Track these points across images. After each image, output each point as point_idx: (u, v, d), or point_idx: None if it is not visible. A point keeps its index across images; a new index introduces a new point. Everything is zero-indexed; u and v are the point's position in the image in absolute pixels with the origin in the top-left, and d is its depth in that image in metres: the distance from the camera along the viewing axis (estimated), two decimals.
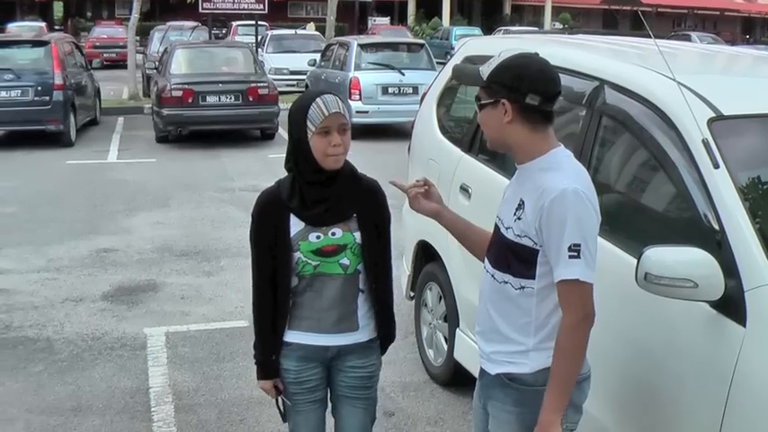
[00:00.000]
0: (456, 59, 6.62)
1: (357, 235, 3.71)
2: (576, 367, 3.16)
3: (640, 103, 4.18)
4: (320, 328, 3.76)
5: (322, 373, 3.86)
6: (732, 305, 3.33)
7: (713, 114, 3.80)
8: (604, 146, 4.51)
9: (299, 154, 3.61)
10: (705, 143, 3.66)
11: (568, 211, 3.05)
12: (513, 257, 3.24)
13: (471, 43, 6.88)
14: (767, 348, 3.21)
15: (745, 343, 3.26)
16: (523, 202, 3.19)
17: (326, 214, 3.66)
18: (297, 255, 3.65)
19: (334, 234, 3.67)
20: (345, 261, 3.69)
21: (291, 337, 3.79)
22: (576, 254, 3.04)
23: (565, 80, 4.76)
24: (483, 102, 3.25)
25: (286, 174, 3.74)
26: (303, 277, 3.70)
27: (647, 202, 4.28)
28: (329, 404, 3.98)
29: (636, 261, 3.40)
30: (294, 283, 3.72)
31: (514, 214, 3.23)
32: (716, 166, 3.60)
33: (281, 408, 3.93)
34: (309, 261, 3.65)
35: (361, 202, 3.74)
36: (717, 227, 3.51)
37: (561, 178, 3.11)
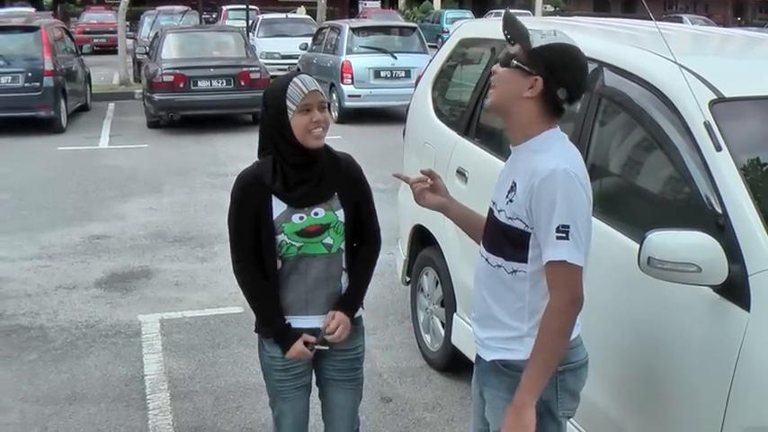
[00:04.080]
0: (450, 42, 6.57)
1: (339, 213, 3.70)
2: (558, 351, 3.11)
3: (640, 85, 4.14)
4: (308, 311, 3.75)
5: (308, 359, 3.84)
6: (736, 289, 3.30)
7: (715, 96, 3.75)
8: (604, 129, 4.47)
9: (278, 136, 3.59)
10: (707, 125, 3.61)
11: (557, 192, 3.01)
12: (505, 241, 3.20)
13: (466, 26, 6.83)
14: None
15: (749, 327, 3.22)
16: (515, 184, 3.15)
17: (309, 195, 3.65)
18: (280, 237, 3.64)
19: (316, 214, 3.66)
20: (329, 240, 3.69)
21: None
22: (564, 235, 3.00)
23: None
24: (516, 64, 3.12)
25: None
26: (287, 260, 3.68)
27: (649, 185, 4.24)
28: (312, 389, 3.97)
29: (638, 245, 3.36)
30: (279, 266, 3.69)
31: (506, 196, 3.19)
32: (718, 148, 3.55)
33: (323, 344, 3.78)
34: (293, 243, 3.64)
35: (341, 180, 3.73)
36: (719, 210, 3.47)
37: (552, 159, 3.07)
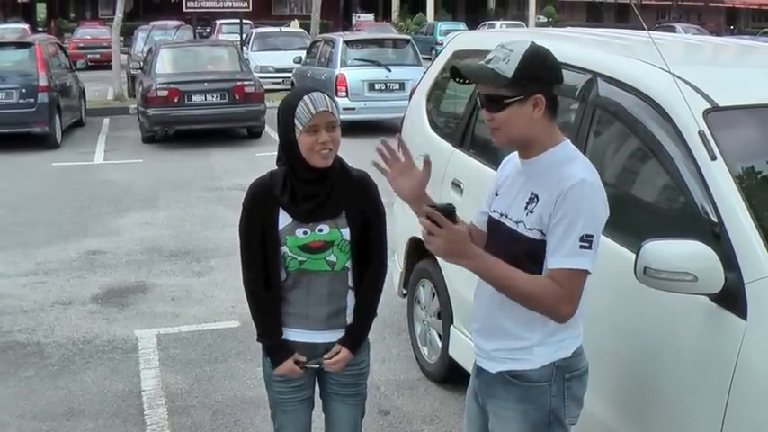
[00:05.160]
0: (445, 54, 6.58)
1: (345, 231, 3.67)
2: (509, 295, 3.07)
3: (634, 95, 4.15)
4: (309, 325, 3.74)
5: (311, 371, 3.85)
6: (732, 298, 3.30)
7: (709, 106, 3.77)
8: (599, 139, 4.49)
9: (288, 152, 3.60)
10: (701, 135, 3.63)
11: (586, 202, 3.03)
12: (520, 252, 3.15)
13: (460, 38, 6.85)
14: None
15: (747, 336, 3.23)
16: (536, 196, 3.12)
17: (315, 211, 3.64)
18: (283, 249, 3.64)
19: (321, 230, 3.64)
20: (332, 258, 3.67)
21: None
22: (588, 245, 3.01)
23: None
24: (509, 100, 3.08)
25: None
26: (290, 273, 3.68)
27: (644, 195, 4.25)
28: (315, 404, 3.97)
29: (634, 255, 3.37)
30: (282, 277, 3.70)
31: (526, 208, 3.15)
32: (713, 157, 3.57)
33: (311, 365, 3.81)
34: (295, 256, 3.63)
35: (351, 198, 3.71)
36: (715, 219, 3.48)
37: (581, 169, 3.09)
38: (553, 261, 3.05)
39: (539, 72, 3.08)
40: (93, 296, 8.32)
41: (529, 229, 3.13)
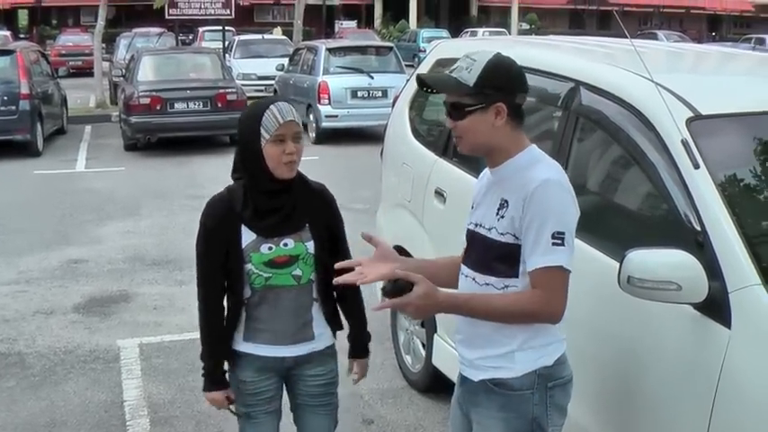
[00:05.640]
0: (428, 62, 6.56)
1: (309, 245, 3.66)
2: (497, 320, 3.16)
3: (617, 103, 4.15)
4: (276, 340, 3.71)
5: (278, 383, 3.84)
6: (716, 307, 3.30)
7: (691, 114, 3.77)
8: (582, 147, 4.48)
9: (251, 163, 3.55)
10: (684, 143, 3.63)
11: (552, 200, 3.06)
12: (495, 258, 3.20)
13: (443, 45, 6.84)
14: (753, 350, 3.18)
15: (731, 345, 3.22)
16: (506, 201, 3.17)
17: (280, 225, 3.61)
18: (248, 266, 3.60)
19: (286, 245, 3.62)
20: (298, 272, 3.65)
21: (248, 348, 3.73)
22: (560, 241, 3.04)
23: (540, 81, 4.78)
24: (471, 108, 3.14)
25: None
26: (255, 290, 3.65)
27: (627, 203, 4.25)
28: (282, 415, 3.94)
29: (617, 264, 3.36)
30: (247, 294, 3.66)
31: (497, 214, 3.19)
32: (696, 166, 3.56)
33: (238, 412, 3.86)
34: (261, 273, 3.60)
35: (313, 210, 3.70)
36: (698, 228, 3.47)
37: (545, 170, 3.13)
38: (530, 263, 3.09)
39: (500, 81, 3.12)
40: (75, 305, 8.28)
41: (501, 233, 3.17)
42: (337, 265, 3.35)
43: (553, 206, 3.06)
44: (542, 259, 3.05)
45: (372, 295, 4.05)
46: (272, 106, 3.51)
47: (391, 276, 3.15)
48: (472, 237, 3.34)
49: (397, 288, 3.07)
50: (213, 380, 3.79)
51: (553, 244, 3.03)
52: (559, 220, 3.05)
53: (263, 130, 3.48)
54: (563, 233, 3.04)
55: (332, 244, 3.74)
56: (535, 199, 3.06)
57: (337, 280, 3.30)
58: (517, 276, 3.16)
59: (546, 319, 3.15)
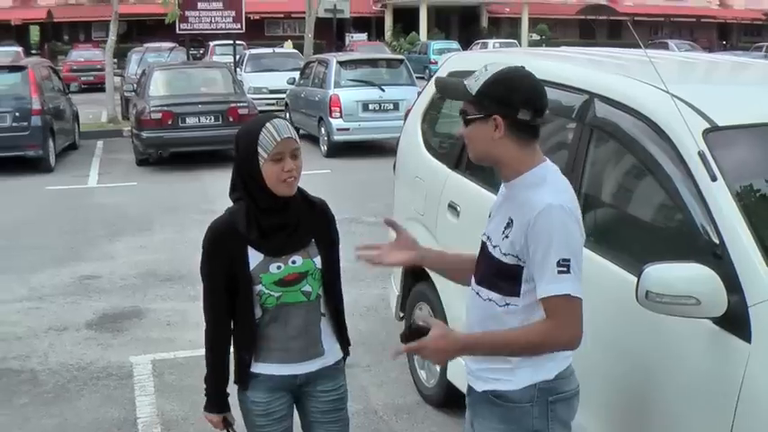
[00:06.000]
0: (440, 74, 6.54)
1: (317, 260, 3.63)
2: (514, 354, 3.16)
3: (632, 115, 4.11)
4: (288, 359, 3.67)
5: (290, 402, 3.79)
6: (735, 321, 3.25)
7: (708, 125, 3.73)
8: (597, 160, 4.44)
9: (250, 183, 3.51)
10: (701, 155, 3.58)
11: (555, 226, 3.02)
12: (497, 275, 3.21)
13: (455, 58, 6.81)
14: None
15: (751, 360, 3.18)
16: (512, 221, 3.15)
17: (287, 243, 3.58)
18: (258, 288, 3.56)
19: (294, 262, 3.58)
20: (308, 288, 3.61)
21: (260, 368, 3.69)
22: (565, 269, 3.00)
23: (553, 94, 4.72)
24: (471, 116, 3.18)
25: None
26: (267, 310, 3.61)
27: (644, 216, 4.21)
28: None
29: (634, 278, 3.32)
30: (258, 314, 3.63)
31: (503, 233, 3.19)
32: (713, 178, 3.52)
33: None
34: (272, 293, 3.56)
35: (317, 226, 3.68)
36: (717, 241, 3.43)
37: (546, 193, 3.08)
38: (539, 292, 3.07)
39: (500, 94, 3.11)
40: (88, 322, 8.25)
41: (504, 254, 3.17)
42: (358, 247, 3.60)
43: (556, 233, 3.02)
44: (548, 288, 3.03)
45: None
46: (267, 124, 3.46)
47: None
48: (482, 248, 3.35)
49: (414, 332, 3.14)
50: (214, 402, 3.79)
51: (559, 272, 3.01)
52: (564, 247, 3.02)
53: (260, 149, 3.44)
54: (568, 260, 3.01)
55: (333, 259, 3.74)
56: (538, 226, 3.04)
57: (358, 254, 3.58)
58: (518, 296, 3.16)
59: (563, 347, 3.14)
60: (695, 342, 3.43)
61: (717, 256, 3.39)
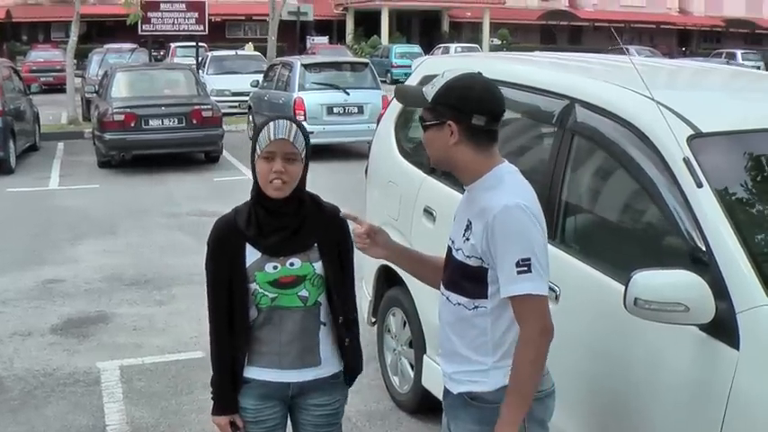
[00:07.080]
0: (414, 79, 6.49)
1: (317, 265, 3.55)
2: (533, 381, 3.14)
3: (614, 121, 4.08)
4: (281, 364, 3.59)
5: (282, 411, 3.70)
6: (724, 328, 3.24)
7: (692, 132, 3.72)
8: (578, 167, 4.40)
9: (254, 178, 3.50)
10: (686, 162, 3.57)
11: (512, 227, 3.05)
12: (464, 278, 3.23)
13: (429, 62, 6.76)
14: (763, 372, 3.12)
15: (740, 367, 3.17)
16: (471, 223, 3.19)
17: (285, 244, 3.51)
18: (253, 286, 3.50)
19: (292, 264, 3.51)
20: (304, 293, 3.54)
21: (251, 373, 3.61)
22: (525, 268, 3.03)
23: (532, 99, 4.72)
24: (428, 123, 3.23)
25: (238, 198, 3.63)
26: (261, 310, 3.54)
27: (629, 224, 4.19)
28: None
29: (621, 285, 3.31)
30: (253, 315, 3.56)
31: (463, 235, 3.22)
32: (699, 184, 3.51)
33: None
34: (266, 293, 3.50)
35: (323, 231, 3.59)
36: (703, 247, 3.42)
37: (503, 194, 3.11)
38: (501, 293, 3.12)
39: (453, 100, 3.16)
40: (53, 326, 8.12)
41: (467, 256, 3.21)
42: (344, 211, 3.59)
43: (514, 234, 3.05)
44: (509, 288, 3.07)
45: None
46: (270, 123, 3.44)
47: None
48: (448, 251, 3.38)
49: None
50: (220, 405, 3.68)
51: (519, 272, 3.04)
52: (523, 247, 3.04)
53: (257, 145, 3.44)
54: (528, 259, 3.03)
55: (341, 266, 3.65)
56: (495, 228, 3.07)
57: (345, 213, 3.58)
58: (486, 297, 3.20)
59: (547, 343, 3.14)
60: (683, 349, 3.41)
61: (703, 263, 3.38)
